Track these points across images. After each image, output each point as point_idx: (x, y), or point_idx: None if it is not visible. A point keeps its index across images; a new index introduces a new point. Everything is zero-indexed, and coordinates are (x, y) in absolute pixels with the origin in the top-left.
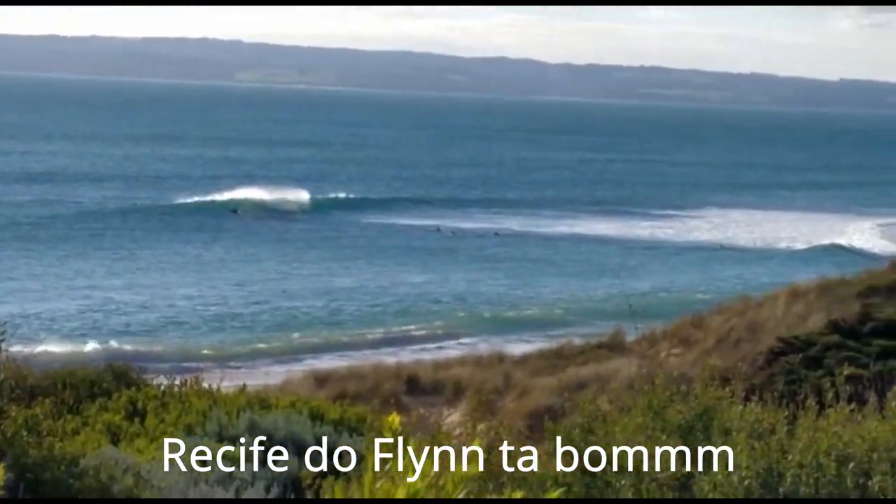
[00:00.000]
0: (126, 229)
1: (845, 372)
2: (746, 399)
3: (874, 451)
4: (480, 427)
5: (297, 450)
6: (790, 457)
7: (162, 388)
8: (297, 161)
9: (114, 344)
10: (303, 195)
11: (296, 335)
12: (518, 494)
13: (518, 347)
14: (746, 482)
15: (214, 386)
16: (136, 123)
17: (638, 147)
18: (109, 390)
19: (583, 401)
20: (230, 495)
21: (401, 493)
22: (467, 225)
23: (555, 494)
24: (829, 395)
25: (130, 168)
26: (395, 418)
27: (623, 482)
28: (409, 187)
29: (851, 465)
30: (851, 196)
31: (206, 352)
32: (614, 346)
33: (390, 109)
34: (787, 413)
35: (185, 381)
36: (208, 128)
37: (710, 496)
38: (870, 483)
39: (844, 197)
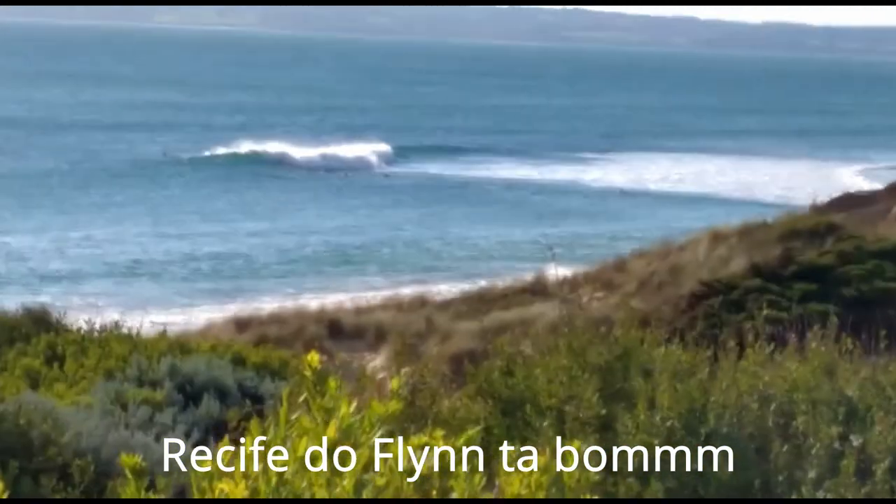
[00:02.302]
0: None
1: (765, 314)
2: (668, 342)
3: (795, 392)
4: (404, 370)
5: (219, 394)
6: (712, 398)
7: (82, 332)
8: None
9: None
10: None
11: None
12: (438, 433)
13: (440, 291)
14: (669, 423)
15: (134, 331)
16: (94, 66)
17: (559, 90)
18: (29, 335)
19: (500, 343)
20: (150, 439)
21: (330, 430)
22: (397, 169)
23: (473, 432)
24: (750, 336)
25: (130, 115)
26: (314, 356)
27: (545, 423)
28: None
29: (773, 405)
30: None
31: None
32: (537, 291)
33: (308, 51)
34: (708, 355)
35: (105, 326)
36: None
37: (634, 436)
38: (792, 423)
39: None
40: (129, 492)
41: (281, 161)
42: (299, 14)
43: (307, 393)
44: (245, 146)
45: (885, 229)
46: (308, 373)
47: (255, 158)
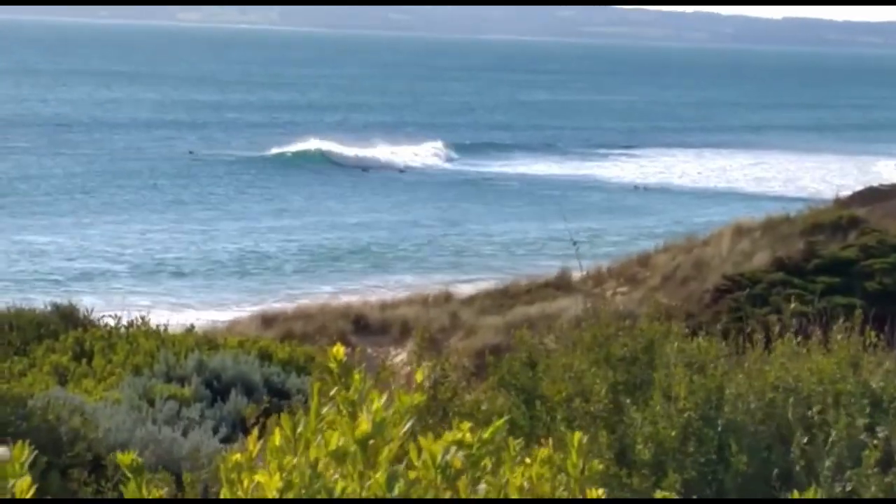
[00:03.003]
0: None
1: (791, 307)
2: (693, 335)
3: (821, 384)
4: (425, 364)
5: (246, 389)
6: (729, 390)
7: (109, 328)
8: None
9: None
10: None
11: None
12: (465, 426)
13: (464, 287)
14: (686, 414)
15: (162, 327)
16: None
17: (580, 86)
18: (57, 331)
19: (522, 335)
20: (178, 434)
21: (364, 424)
22: (415, 164)
23: (500, 423)
24: (776, 329)
25: (156, 114)
26: (339, 349)
27: (558, 416)
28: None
29: (799, 397)
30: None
31: None
32: (561, 285)
33: (334, 49)
34: (732, 348)
35: (132, 321)
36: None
37: (642, 430)
38: (816, 415)
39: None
40: (129, 490)
41: (321, 159)
42: (321, 11)
43: (333, 386)
44: (285, 145)
45: None
46: (333, 365)
47: (299, 156)
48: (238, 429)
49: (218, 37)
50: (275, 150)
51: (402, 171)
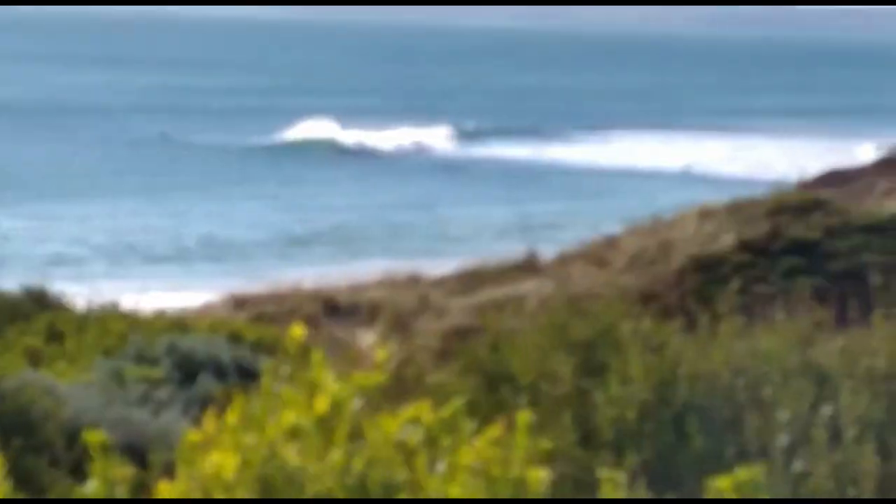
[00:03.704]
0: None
1: (751, 288)
2: (658, 317)
3: (768, 363)
4: (391, 345)
5: (216, 371)
6: (682, 370)
7: (81, 311)
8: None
9: None
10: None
11: None
12: (425, 405)
13: (435, 269)
14: (642, 395)
15: (133, 310)
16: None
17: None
18: (29, 314)
19: (488, 319)
20: (147, 415)
21: (321, 402)
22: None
23: (459, 403)
24: (726, 309)
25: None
26: (296, 329)
27: (520, 399)
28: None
29: (742, 379)
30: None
31: None
32: (529, 267)
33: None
34: (690, 329)
35: (104, 305)
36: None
37: (606, 410)
38: (765, 393)
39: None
40: (96, 469)
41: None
42: None
43: (291, 366)
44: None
45: (872, 204)
46: (292, 346)
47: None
48: (208, 410)
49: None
50: (257, 138)
51: (393, 155)
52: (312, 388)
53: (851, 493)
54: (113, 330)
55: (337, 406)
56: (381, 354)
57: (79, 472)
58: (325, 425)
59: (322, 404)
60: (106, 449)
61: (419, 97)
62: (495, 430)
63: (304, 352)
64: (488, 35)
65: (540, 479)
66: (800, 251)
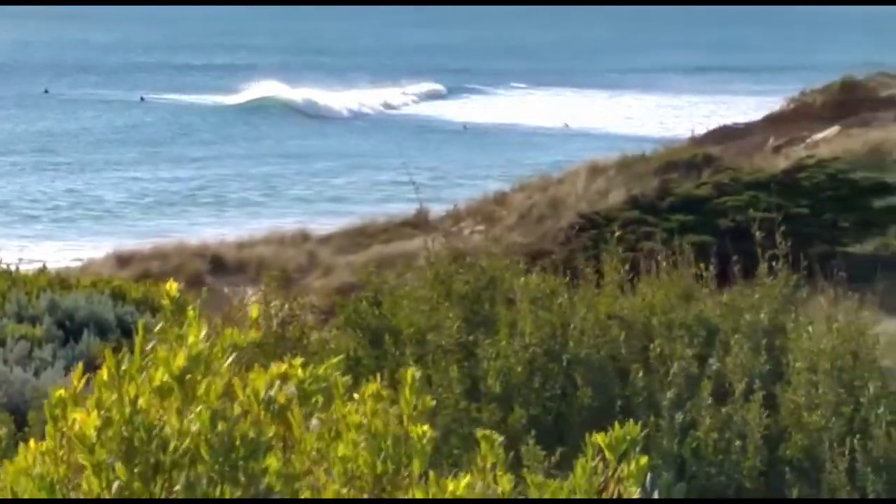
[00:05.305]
0: None
1: (641, 244)
2: (544, 272)
3: (653, 316)
4: (273, 302)
5: (99, 330)
6: (572, 324)
7: None
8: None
9: None
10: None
11: None
12: (297, 362)
13: (321, 226)
14: (531, 349)
15: (13, 266)
16: None
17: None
18: None
19: (368, 274)
20: (29, 375)
21: (179, 358)
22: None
23: (336, 360)
24: (612, 263)
25: None
26: (171, 286)
27: (407, 351)
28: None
29: (624, 333)
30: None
31: None
32: (419, 224)
33: None
34: (578, 284)
35: None
36: None
37: (494, 363)
38: (651, 346)
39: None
40: None
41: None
42: None
43: (164, 322)
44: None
45: (761, 161)
46: (166, 302)
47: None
48: (91, 369)
49: None
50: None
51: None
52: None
53: (737, 446)
54: None
55: (196, 361)
56: (254, 311)
57: None
58: (187, 382)
59: (180, 359)
60: None
61: (322, 54)
62: (373, 387)
63: (177, 307)
64: None
65: (423, 434)
66: (690, 208)
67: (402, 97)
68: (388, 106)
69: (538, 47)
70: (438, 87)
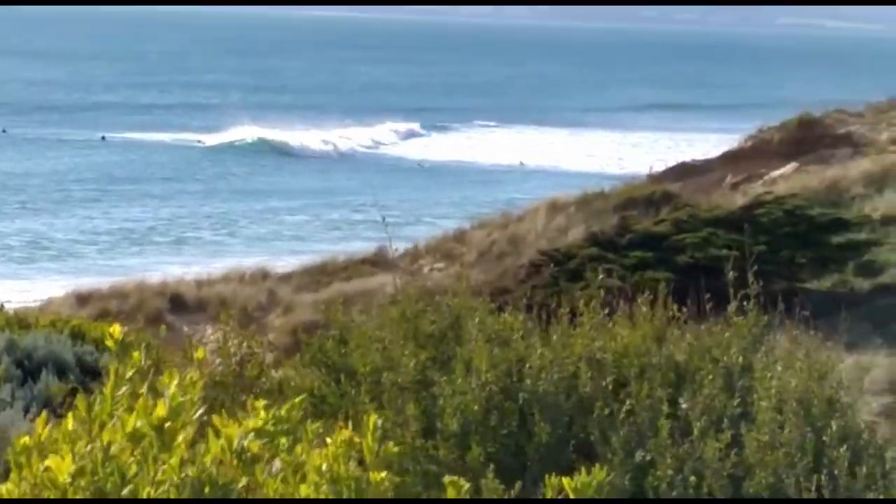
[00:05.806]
0: None
1: (600, 279)
2: (502, 311)
3: (625, 357)
4: (232, 342)
5: (57, 369)
6: (529, 363)
7: None
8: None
9: None
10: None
11: None
12: (260, 403)
13: (282, 264)
14: (488, 388)
15: None
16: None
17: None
18: None
19: (334, 312)
20: None
21: (160, 409)
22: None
23: (298, 401)
24: (581, 303)
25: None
26: (115, 328)
27: (362, 389)
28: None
29: (591, 372)
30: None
31: None
32: (378, 262)
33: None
34: (539, 322)
35: None
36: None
37: (450, 401)
38: (609, 384)
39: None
40: None
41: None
42: None
43: (127, 368)
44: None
45: (719, 197)
46: (111, 344)
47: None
48: (49, 409)
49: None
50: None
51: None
52: (153, 390)
53: (693, 485)
54: None
55: (176, 411)
56: (200, 353)
57: None
58: (165, 430)
59: (161, 409)
60: None
61: (282, 93)
62: (347, 433)
63: (122, 348)
64: (333, 24)
65: (382, 480)
66: (648, 244)
67: (364, 136)
68: (348, 144)
69: (496, 85)
70: (406, 125)
